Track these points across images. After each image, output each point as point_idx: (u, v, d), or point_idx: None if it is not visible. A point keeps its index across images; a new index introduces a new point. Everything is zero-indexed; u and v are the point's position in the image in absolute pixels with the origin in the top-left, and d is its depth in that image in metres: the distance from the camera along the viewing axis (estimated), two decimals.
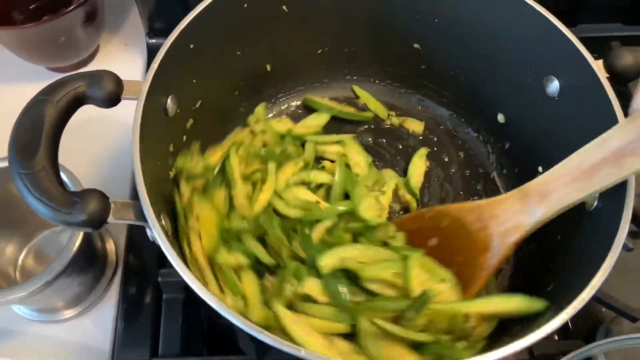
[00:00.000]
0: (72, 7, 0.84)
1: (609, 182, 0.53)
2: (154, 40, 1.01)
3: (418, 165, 0.85)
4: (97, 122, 0.90)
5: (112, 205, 0.54)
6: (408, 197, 0.82)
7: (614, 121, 0.58)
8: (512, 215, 0.53)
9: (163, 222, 0.59)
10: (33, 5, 0.97)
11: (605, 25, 1.05)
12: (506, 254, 0.59)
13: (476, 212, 0.55)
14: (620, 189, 0.55)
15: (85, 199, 0.53)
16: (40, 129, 0.55)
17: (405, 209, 0.82)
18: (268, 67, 0.83)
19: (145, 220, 0.54)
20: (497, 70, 0.77)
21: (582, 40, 0.64)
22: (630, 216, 0.54)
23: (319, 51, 0.86)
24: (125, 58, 1.02)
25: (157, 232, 0.52)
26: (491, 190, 0.85)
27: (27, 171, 0.53)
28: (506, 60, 0.74)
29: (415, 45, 0.83)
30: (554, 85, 0.68)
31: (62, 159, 0.72)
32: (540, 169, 0.75)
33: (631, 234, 0.87)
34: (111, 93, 0.59)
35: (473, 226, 0.56)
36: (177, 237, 0.68)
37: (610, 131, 0.52)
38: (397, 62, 0.88)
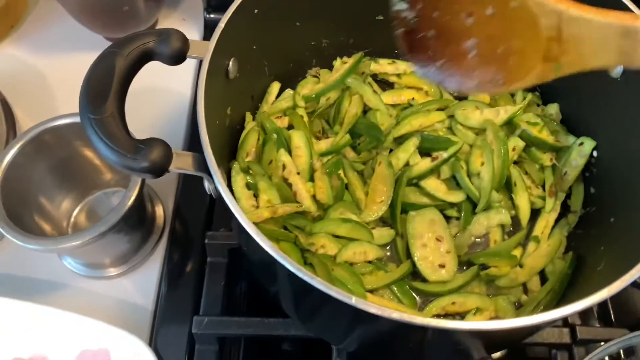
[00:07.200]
0: None
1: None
2: (212, 16, 1.03)
3: None
4: (151, 92, 0.93)
5: (174, 155, 0.56)
6: None
7: None
8: None
9: None
10: None
11: None
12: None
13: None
14: None
15: (150, 146, 0.54)
16: (111, 79, 0.57)
17: None
18: (324, 43, 0.84)
19: (204, 171, 0.55)
20: None
21: None
22: None
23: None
24: None
25: (218, 180, 0.53)
26: None
27: (96, 116, 0.55)
28: None
29: None
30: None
31: None
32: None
33: None
34: (178, 50, 0.61)
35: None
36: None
37: None
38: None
